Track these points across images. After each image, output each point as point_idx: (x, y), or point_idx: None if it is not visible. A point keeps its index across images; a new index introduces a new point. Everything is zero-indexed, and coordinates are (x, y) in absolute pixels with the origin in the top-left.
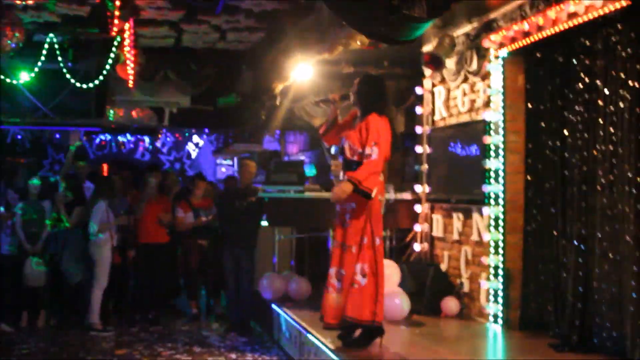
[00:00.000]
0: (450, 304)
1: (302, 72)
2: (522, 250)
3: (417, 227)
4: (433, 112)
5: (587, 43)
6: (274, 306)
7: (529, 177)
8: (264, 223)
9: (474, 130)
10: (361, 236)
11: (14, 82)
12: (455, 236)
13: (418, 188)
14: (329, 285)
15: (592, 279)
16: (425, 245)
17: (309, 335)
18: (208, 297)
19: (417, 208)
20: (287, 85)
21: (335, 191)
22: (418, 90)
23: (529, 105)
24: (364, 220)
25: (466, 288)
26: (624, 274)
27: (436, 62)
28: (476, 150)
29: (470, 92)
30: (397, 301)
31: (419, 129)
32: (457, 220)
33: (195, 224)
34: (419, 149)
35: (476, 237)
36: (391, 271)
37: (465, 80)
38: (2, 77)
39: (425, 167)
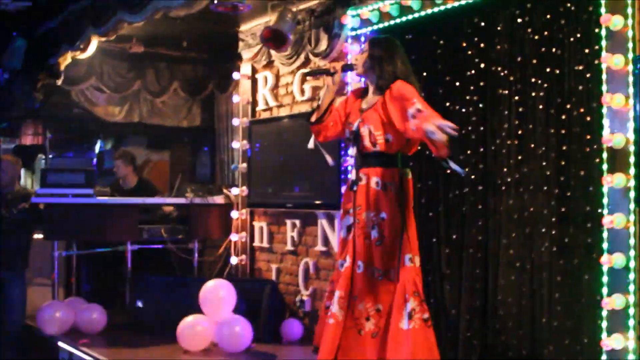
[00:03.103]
0: (293, 328)
1: (89, 44)
2: None
3: (233, 237)
4: (254, 102)
5: (482, 24)
6: (61, 344)
7: None
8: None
9: None
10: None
11: None
12: (289, 246)
13: (234, 190)
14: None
15: (495, 291)
16: (244, 257)
17: None
18: None
19: (233, 214)
20: (74, 61)
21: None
22: (235, 75)
23: None
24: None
25: (308, 307)
26: (537, 285)
27: (279, 40)
28: (327, 146)
29: (314, 79)
30: (238, 329)
31: (235, 121)
32: (292, 227)
33: None
34: (235, 145)
35: (322, 246)
36: (227, 292)
37: (307, 63)
38: None
39: (243, 166)
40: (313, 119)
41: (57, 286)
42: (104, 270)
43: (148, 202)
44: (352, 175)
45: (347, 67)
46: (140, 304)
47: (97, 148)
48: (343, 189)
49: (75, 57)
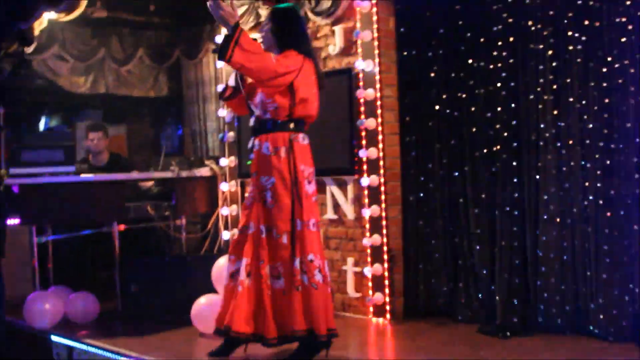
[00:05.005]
0: None
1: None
2: (403, 225)
3: (224, 210)
4: None
5: None
6: (55, 338)
7: (408, 139)
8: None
9: (327, 85)
10: (292, 219)
11: None
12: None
13: (223, 161)
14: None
15: (535, 248)
16: (236, 232)
17: None
18: None
19: (223, 187)
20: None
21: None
22: (218, 39)
23: (405, 54)
24: (289, 200)
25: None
26: (580, 239)
27: None
28: (338, 109)
29: (313, 39)
30: None
31: (220, 88)
32: None
33: None
34: (221, 112)
35: (332, 215)
36: None
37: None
38: None
39: (231, 135)
40: (226, 95)
41: (38, 274)
42: (82, 255)
43: (135, 178)
44: (249, 144)
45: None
46: (134, 288)
47: (41, 124)
48: (362, 153)
49: (59, 20)
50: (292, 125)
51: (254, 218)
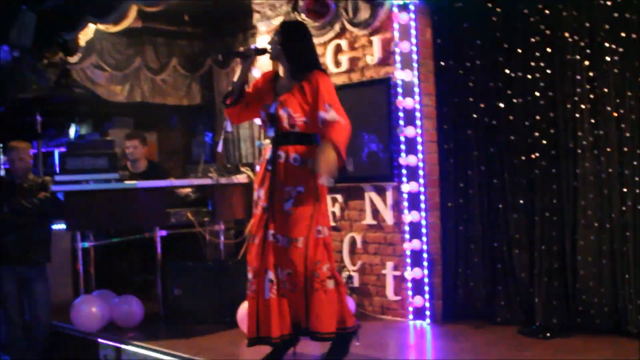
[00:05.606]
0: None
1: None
2: (441, 230)
3: None
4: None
5: None
6: (102, 341)
7: (446, 146)
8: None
9: (365, 94)
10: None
11: None
12: (331, 222)
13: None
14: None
15: (574, 252)
16: None
17: None
18: None
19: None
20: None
21: (324, 165)
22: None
23: (442, 64)
24: (311, 208)
25: (356, 282)
26: (619, 243)
27: (323, 8)
28: (377, 118)
29: (350, 49)
30: None
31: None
32: (332, 203)
33: None
34: (258, 121)
35: (370, 220)
36: None
37: (342, 34)
38: None
39: (267, 142)
40: (228, 102)
41: (83, 279)
42: (122, 260)
43: (177, 185)
44: (268, 154)
45: (261, 51)
46: (177, 292)
47: (71, 132)
48: (402, 160)
49: (107, 31)
50: (313, 139)
51: (270, 226)
